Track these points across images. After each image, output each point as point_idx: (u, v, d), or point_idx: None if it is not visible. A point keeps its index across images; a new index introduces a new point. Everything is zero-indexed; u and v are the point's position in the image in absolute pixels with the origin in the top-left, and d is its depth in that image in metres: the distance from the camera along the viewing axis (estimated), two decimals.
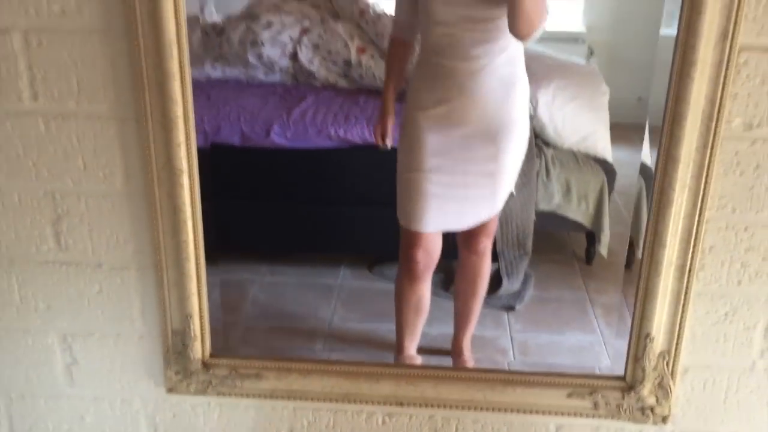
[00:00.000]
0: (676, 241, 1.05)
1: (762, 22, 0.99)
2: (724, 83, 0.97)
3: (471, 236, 2.13)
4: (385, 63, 2.12)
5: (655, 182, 1.06)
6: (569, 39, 4.92)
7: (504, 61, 1.87)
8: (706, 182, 1.02)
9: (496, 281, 2.90)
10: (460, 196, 2.01)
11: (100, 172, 1.24)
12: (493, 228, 2.18)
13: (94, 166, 1.23)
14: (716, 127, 1.00)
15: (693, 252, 1.05)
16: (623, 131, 3.18)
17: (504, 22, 1.77)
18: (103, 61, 1.15)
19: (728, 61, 0.96)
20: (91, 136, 1.21)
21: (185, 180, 1.16)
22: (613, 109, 3.28)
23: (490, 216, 2.10)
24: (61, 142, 1.22)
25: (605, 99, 3.21)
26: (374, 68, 3.21)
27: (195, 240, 1.23)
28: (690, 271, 1.06)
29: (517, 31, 1.73)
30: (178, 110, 1.14)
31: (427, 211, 2.01)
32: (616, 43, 4.90)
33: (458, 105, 1.90)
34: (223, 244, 3.12)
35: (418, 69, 2.00)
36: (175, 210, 1.17)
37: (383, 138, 2.11)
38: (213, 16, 4.41)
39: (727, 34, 0.96)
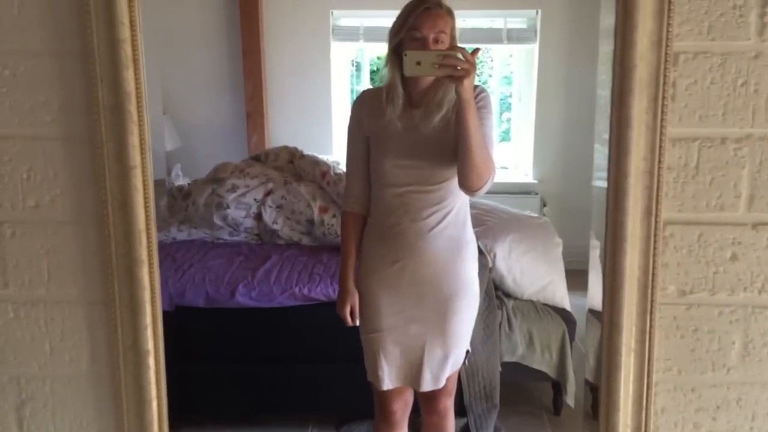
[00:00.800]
0: (629, 404, 1.10)
1: (681, 199, 1.10)
2: (654, 254, 1.06)
3: (430, 397, 2.10)
4: (342, 242, 2.10)
5: (603, 348, 1.12)
6: (522, 191, 5.19)
7: (453, 222, 1.93)
8: (650, 346, 1.08)
9: None
10: (416, 356, 2.00)
11: (67, 356, 1.26)
12: (452, 387, 2.13)
13: (61, 350, 1.26)
14: (652, 294, 1.08)
15: (646, 414, 1.09)
16: (579, 277, 3.29)
17: (453, 184, 1.87)
18: (74, 250, 1.21)
19: (655, 235, 1.06)
20: (59, 320, 1.25)
21: (151, 361, 1.18)
22: (567, 256, 3.42)
23: (445, 378, 2.05)
24: (29, 328, 1.25)
25: (559, 250, 3.34)
26: (336, 226, 3.32)
27: (159, 419, 1.23)
28: None
29: (468, 185, 1.80)
30: (146, 294, 1.18)
31: (386, 370, 2.02)
32: (566, 194, 5.18)
33: (410, 264, 1.94)
34: (188, 408, 3.07)
35: (369, 232, 2.04)
36: (140, 390, 1.19)
37: (352, 317, 2.10)
38: (179, 179, 4.57)
39: (651, 211, 1.06)
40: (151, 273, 1.17)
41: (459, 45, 1.73)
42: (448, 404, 2.14)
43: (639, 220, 1.05)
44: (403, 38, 1.83)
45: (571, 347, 3.10)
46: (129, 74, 1.12)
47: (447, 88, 1.84)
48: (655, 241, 1.05)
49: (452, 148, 1.83)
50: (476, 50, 1.65)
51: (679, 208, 1.09)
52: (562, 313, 3.16)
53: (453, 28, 1.86)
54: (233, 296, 2.92)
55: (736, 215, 1.09)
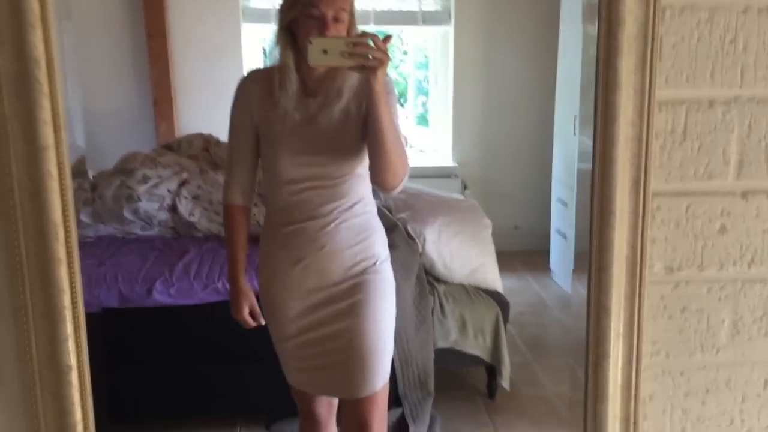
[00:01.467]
0: (618, 393, 1.01)
1: (668, 168, 1.02)
2: (642, 229, 0.97)
3: (349, 406, 1.86)
4: (227, 237, 1.90)
5: (589, 334, 1.03)
6: (442, 174, 5.14)
7: (358, 212, 1.79)
8: (638, 329, 1.00)
9: (402, 427, 2.77)
10: (334, 360, 1.81)
11: None
12: (381, 398, 1.87)
13: None
14: (641, 273, 0.99)
15: (635, 403, 1.01)
16: (502, 258, 3.27)
17: (354, 178, 1.74)
18: None
19: (644, 208, 0.97)
20: None
21: (74, 377, 0.99)
22: (493, 239, 3.38)
23: (364, 382, 1.79)
24: None
25: (488, 232, 3.29)
26: (258, 215, 3.14)
27: None
28: (634, 423, 1.02)
29: (383, 184, 1.69)
30: (65, 299, 0.99)
31: (305, 378, 1.87)
32: (487, 176, 5.17)
33: (314, 263, 1.77)
34: (111, 416, 2.83)
35: (266, 232, 1.87)
36: (61, 412, 0.99)
37: (253, 317, 1.90)
38: (87, 173, 4.24)
39: (639, 181, 0.97)
40: (71, 274, 0.98)
41: (367, 30, 1.55)
42: (374, 414, 1.84)
43: (627, 192, 0.96)
44: (298, 16, 1.65)
45: (505, 330, 3.06)
46: (36, 36, 0.92)
47: (346, 74, 1.69)
48: (643, 215, 0.96)
49: (354, 140, 1.71)
50: (388, 37, 1.51)
51: (666, 178, 1.01)
52: (494, 295, 3.11)
53: (352, 6, 1.70)
54: (150, 294, 2.70)
55: (725, 184, 1.02)
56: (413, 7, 4.83)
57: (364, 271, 1.80)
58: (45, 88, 0.91)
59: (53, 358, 0.97)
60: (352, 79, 1.70)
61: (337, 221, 1.76)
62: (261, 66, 4.87)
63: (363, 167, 1.75)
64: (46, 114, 0.91)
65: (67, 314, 0.99)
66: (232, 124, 1.83)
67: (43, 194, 0.95)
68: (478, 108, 4.99)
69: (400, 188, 1.71)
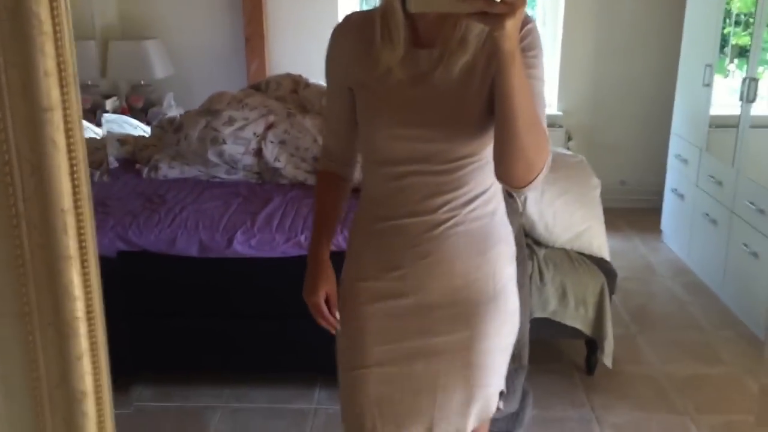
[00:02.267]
0: None
1: None
2: None
3: None
4: (315, 206, 1.51)
5: None
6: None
7: (477, 214, 1.34)
8: None
9: None
10: (423, 405, 1.42)
11: None
12: None
13: None
14: None
15: None
16: (606, 217, 2.96)
17: (477, 164, 1.31)
18: None
19: None
20: None
21: (89, 407, 0.77)
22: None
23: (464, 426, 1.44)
24: None
25: (597, 193, 2.97)
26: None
27: None
28: None
29: (512, 179, 1.21)
30: (77, 308, 0.76)
31: (378, 426, 1.43)
32: (594, 127, 4.77)
33: (411, 274, 1.36)
34: (180, 365, 2.78)
35: (356, 226, 1.47)
36: None
37: (328, 307, 1.45)
38: (172, 110, 4.17)
39: None
40: (85, 274, 0.76)
41: None
42: None
43: None
44: None
45: (611, 302, 2.77)
46: None
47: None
48: None
49: (479, 110, 1.26)
50: None
51: None
52: (600, 263, 2.81)
53: None
54: (230, 245, 2.57)
55: None
56: None
57: (478, 296, 1.38)
58: (46, 26, 0.68)
59: (65, 380, 0.76)
60: (480, 26, 1.21)
61: (448, 224, 1.33)
62: (358, 7, 4.64)
63: (489, 151, 1.28)
64: (49, 63, 0.69)
65: (81, 327, 0.76)
66: (327, 83, 1.44)
67: (46, 171, 0.73)
68: (589, 51, 4.57)
69: (534, 187, 1.22)
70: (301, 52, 4.39)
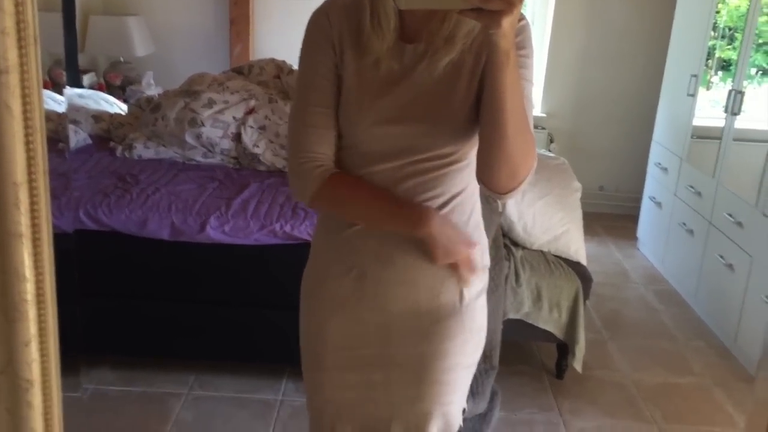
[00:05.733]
0: None
1: None
2: None
3: None
4: (353, 197, 1.28)
5: None
6: None
7: (453, 218, 1.27)
8: None
9: None
10: (380, 416, 1.36)
11: None
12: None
13: None
14: None
15: None
16: (584, 220, 2.94)
17: (455, 166, 1.24)
18: None
19: None
20: None
21: (34, 397, 0.70)
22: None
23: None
24: None
25: (577, 196, 2.96)
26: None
27: None
28: None
29: (495, 184, 1.15)
30: (27, 289, 0.69)
31: (334, 421, 1.39)
32: (576, 131, 4.76)
33: (375, 280, 1.29)
34: (145, 350, 2.72)
35: (322, 224, 1.37)
36: None
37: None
38: (151, 89, 4.08)
39: None
40: (36, 255, 0.70)
41: None
42: None
43: None
44: None
45: (585, 306, 2.76)
46: None
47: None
48: None
49: (463, 112, 1.20)
50: None
51: None
52: (576, 267, 2.79)
53: None
54: (203, 229, 2.51)
55: None
56: None
57: (442, 310, 1.29)
58: None
59: (10, 368, 0.69)
60: (471, 22, 1.15)
61: None
62: None
63: (472, 152, 1.23)
64: (7, 20, 0.61)
65: (30, 310, 0.70)
66: (305, 70, 1.26)
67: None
68: (577, 55, 4.56)
69: (519, 191, 1.16)
70: (287, 38, 4.32)
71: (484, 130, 1.14)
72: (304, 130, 1.26)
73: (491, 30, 0.99)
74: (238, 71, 3.42)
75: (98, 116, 3.32)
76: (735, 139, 3.23)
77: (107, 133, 3.27)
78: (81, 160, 2.93)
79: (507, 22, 0.98)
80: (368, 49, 1.20)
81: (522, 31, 1.18)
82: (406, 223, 1.24)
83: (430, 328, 1.30)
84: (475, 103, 1.19)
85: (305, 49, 1.26)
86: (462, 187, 1.27)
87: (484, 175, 1.17)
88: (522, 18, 1.19)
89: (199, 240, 2.52)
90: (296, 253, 2.43)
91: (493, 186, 1.16)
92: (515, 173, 1.13)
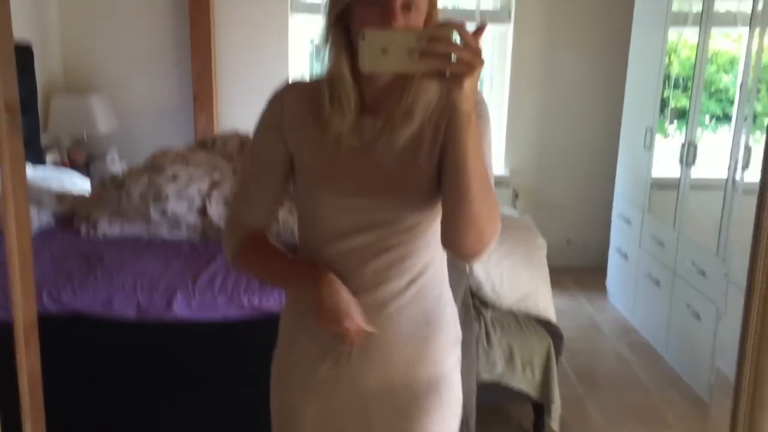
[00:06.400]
0: None
1: None
2: None
3: None
4: (265, 266, 1.34)
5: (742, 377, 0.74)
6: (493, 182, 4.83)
7: (423, 293, 1.28)
8: None
9: None
10: None
11: None
12: None
13: None
14: None
15: None
16: (553, 275, 2.97)
17: (422, 240, 1.25)
18: None
19: None
20: None
21: None
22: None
23: None
24: None
25: (542, 253, 2.99)
26: (293, 223, 2.89)
27: None
28: None
29: (461, 249, 1.17)
30: None
31: None
32: (540, 186, 4.84)
33: (347, 361, 1.28)
34: None
35: (290, 305, 1.37)
36: None
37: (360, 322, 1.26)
38: (115, 164, 4.08)
39: None
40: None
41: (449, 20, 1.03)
42: None
43: None
44: (351, 3, 1.16)
45: (557, 364, 2.76)
46: None
47: (420, 86, 1.20)
48: None
49: (426, 183, 1.22)
50: (481, 29, 1.01)
51: None
52: (546, 325, 2.81)
53: None
54: (170, 307, 2.48)
55: None
56: (471, 5, 4.54)
57: (418, 387, 1.28)
58: None
59: None
60: (430, 93, 1.21)
61: (390, 306, 1.26)
62: (308, 67, 4.65)
63: (437, 222, 1.25)
64: None
65: None
66: (252, 147, 1.34)
67: None
68: (535, 113, 4.68)
69: (486, 254, 1.18)
70: (251, 111, 4.36)
71: (448, 195, 1.16)
72: (236, 203, 1.36)
73: (453, 92, 1.02)
74: (202, 145, 3.44)
75: (62, 196, 3.30)
76: (693, 188, 3.31)
77: (71, 212, 3.24)
78: (44, 243, 2.89)
79: (468, 84, 1.01)
80: (329, 127, 1.23)
81: (478, 104, 1.19)
82: (302, 282, 1.27)
83: (407, 406, 1.29)
84: (437, 174, 1.22)
85: (256, 128, 1.34)
86: (430, 258, 1.28)
87: (451, 240, 1.18)
88: (477, 93, 1.22)
89: (166, 318, 2.48)
90: (266, 327, 2.40)
91: (460, 250, 1.18)
92: (482, 235, 1.15)
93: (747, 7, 2.92)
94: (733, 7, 3.24)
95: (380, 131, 1.23)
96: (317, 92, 1.25)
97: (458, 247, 1.18)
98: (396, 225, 1.23)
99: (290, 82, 1.35)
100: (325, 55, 1.23)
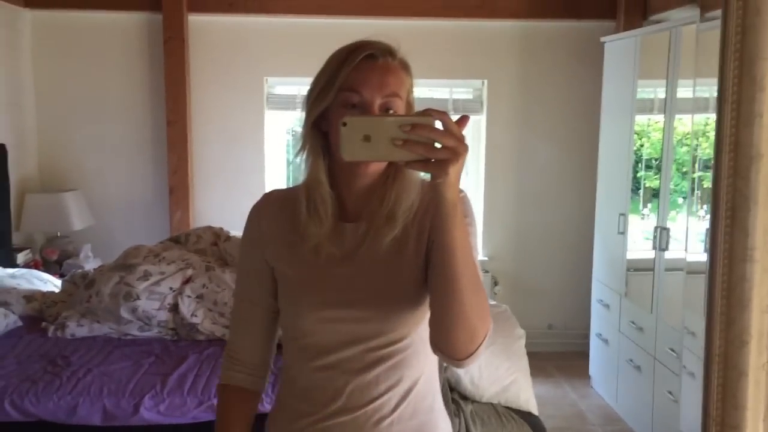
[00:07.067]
0: None
1: None
2: None
3: None
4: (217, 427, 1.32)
5: None
6: None
7: (415, 406, 1.22)
8: None
9: None
10: None
11: None
12: None
13: None
14: None
15: None
16: (535, 361, 2.91)
17: (411, 349, 1.20)
18: None
19: None
20: None
21: None
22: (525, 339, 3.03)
23: None
24: None
25: (521, 343, 2.95)
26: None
27: None
28: None
29: (454, 352, 1.10)
30: None
31: None
32: (519, 272, 4.83)
33: None
34: None
35: (275, 423, 1.30)
36: None
37: None
38: (89, 261, 4.03)
39: None
40: None
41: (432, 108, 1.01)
42: None
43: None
44: (330, 105, 1.15)
45: None
46: None
47: (402, 187, 1.18)
48: None
49: (412, 287, 1.18)
50: (464, 118, 1.00)
51: None
52: (527, 417, 2.73)
53: (410, 92, 1.20)
54: (137, 411, 2.40)
55: None
56: (444, 95, 4.65)
57: None
58: None
59: None
60: (412, 195, 1.18)
61: (386, 418, 1.19)
62: (284, 157, 4.70)
63: (425, 332, 1.17)
64: None
65: None
66: (239, 264, 1.33)
67: None
68: (511, 200, 4.72)
69: (478, 357, 1.12)
70: (227, 204, 4.39)
71: (436, 292, 1.10)
72: (233, 322, 1.34)
73: (438, 180, 0.98)
74: (175, 240, 3.42)
75: (30, 296, 3.24)
76: (668, 270, 3.30)
77: (39, 312, 3.18)
78: (10, 345, 2.82)
79: (453, 171, 0.97)
80: (307, 236, 1.19)
81: (463, 202, 1.17)
82: None
83: None
84: (424, 276, 1.17)
85: (242, 249, 1.32)
86: (421, 368, 1.22)
87: (442, 341, 1.11)
88: (461, 191, 1.18)
89: (133, 423, 2.40)
90: None
91: (451, 352, 1.10)
92: (474, 334, 1.09)
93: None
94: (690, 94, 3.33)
95: (362, 237, 1.20)
96: (295, 200, 1.22)
97: (450, 349, 1.10)
98: (381, 337, 1.17)
99: (268, 191, 1.34)
100: (301, 161, 1.21)
